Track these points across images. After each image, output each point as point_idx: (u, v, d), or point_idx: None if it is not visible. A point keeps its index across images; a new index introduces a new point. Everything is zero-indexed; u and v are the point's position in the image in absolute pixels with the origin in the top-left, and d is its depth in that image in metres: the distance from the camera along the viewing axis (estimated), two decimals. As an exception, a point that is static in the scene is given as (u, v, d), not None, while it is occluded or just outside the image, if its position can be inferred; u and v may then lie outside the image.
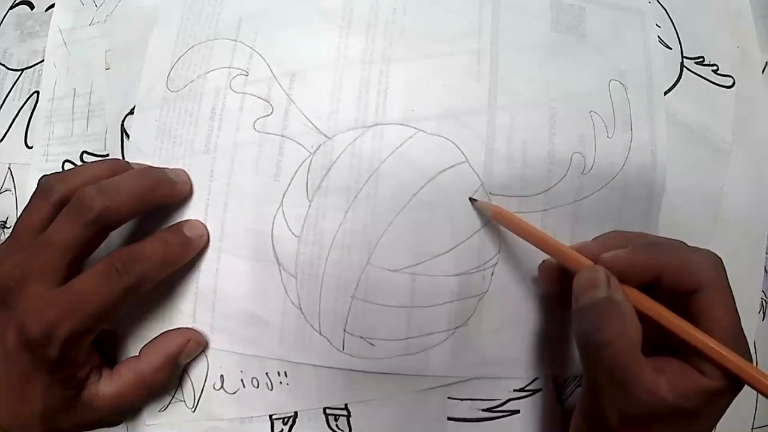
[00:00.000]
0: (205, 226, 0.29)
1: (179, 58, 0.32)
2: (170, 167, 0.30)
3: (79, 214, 0.25)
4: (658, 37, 0.33)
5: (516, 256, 0.29)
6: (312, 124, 0.30)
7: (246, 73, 0.31)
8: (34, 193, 0.27)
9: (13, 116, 0.36)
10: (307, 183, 0.29)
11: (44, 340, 0.24)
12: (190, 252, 0.29)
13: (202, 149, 0.30)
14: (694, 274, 0.23)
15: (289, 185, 0.29)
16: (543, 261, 0.28)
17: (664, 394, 0.22)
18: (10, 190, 0.35)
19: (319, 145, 0.29)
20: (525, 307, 0.29)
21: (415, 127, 0.29)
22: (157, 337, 0.29)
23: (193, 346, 0.29)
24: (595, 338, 0.23)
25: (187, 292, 0.30)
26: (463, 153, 0.29)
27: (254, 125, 0.30)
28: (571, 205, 0.29)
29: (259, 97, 0.30)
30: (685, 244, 0.25)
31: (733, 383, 0.22)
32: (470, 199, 0.29)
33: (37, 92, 0.35)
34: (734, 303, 0.23)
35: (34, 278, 0.25)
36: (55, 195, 0.26)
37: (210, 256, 0.29)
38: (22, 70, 0.37)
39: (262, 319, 0.29)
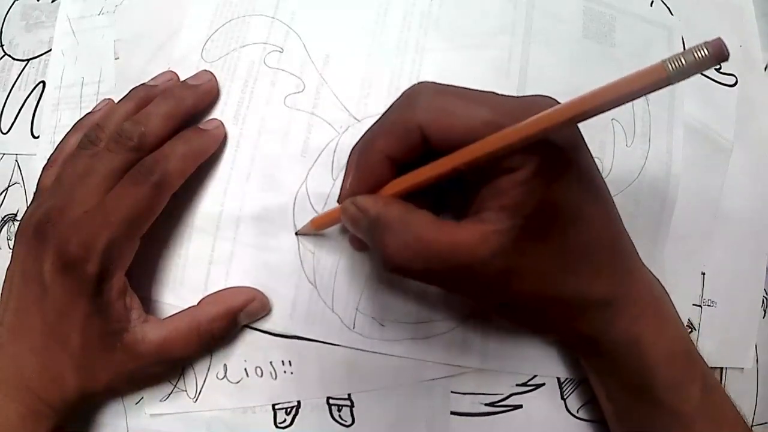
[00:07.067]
0: (220, 121, 0.30)
1: (216, 30, 0.32)
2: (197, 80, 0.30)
3: (120, 145, 0.27)
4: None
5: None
6: (342, 105, 0.30)
7: (281, 50, 0.31)
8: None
9: (19, 107, 0.35)
10: (333, 162, 0.29)
11: (83, 254, 0.24)
12: (209, 143, 0.29)
13: (231, 119, 0.30)
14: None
15: (314, 162, 0.29)
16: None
17: (497, 224, 0.21)
18: (19, 183, 0.34)
19: (348, 127, 0.30)
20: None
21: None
22: (220, 290, 0.29)
23: (257, 306, 0.28)
24: (389, 253, 0.22)
25: (201, 259, 0.29)
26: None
27: (285, 101, 0.30)
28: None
29: (291, 74, 0.30)
30: None
31: (540, 150, 0.20)
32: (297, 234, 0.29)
33: (43, 82, 0.35)
34: None
35: (75, 205, 0.25)
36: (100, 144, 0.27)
37: (228, 225, 0.29)
38: (28, 60, 0.36)
39: (275, 291, 0.29)
